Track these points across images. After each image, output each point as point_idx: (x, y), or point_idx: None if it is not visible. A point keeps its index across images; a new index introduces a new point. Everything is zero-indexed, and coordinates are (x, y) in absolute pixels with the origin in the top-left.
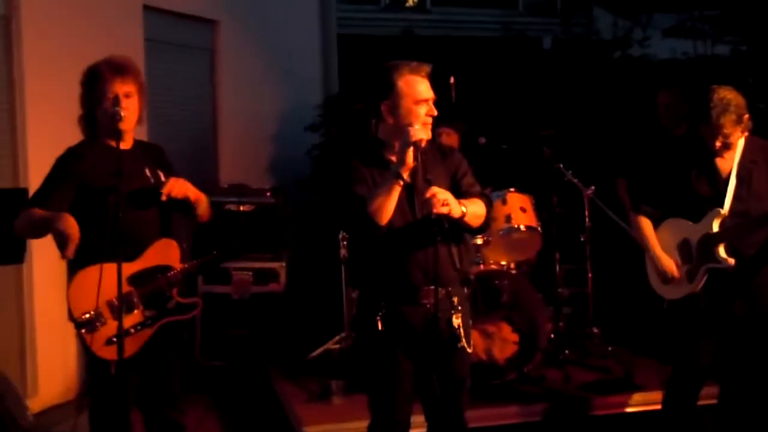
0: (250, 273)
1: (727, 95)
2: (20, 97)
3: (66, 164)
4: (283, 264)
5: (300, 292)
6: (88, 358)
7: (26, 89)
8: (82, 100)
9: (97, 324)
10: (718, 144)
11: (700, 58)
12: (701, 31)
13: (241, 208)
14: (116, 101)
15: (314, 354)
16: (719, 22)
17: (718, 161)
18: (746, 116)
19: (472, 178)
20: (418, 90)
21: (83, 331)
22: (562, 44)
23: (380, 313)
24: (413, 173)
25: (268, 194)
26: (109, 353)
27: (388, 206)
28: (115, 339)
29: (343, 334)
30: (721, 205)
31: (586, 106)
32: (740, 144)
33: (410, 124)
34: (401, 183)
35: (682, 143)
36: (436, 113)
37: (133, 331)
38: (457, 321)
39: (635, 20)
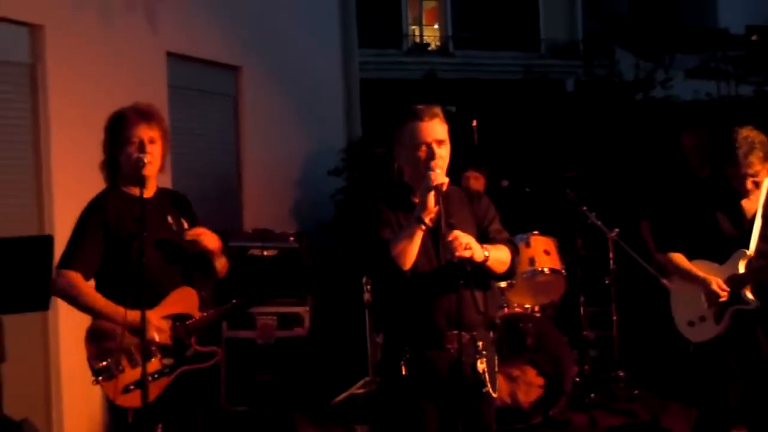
0: (275, 318)
1: (751, 134)
2: (45, 144)
3: (91, 219)
4: (308, 308)
5: (324, 336)
6: (109, 407)
7: (51, 136)
8: (105, 145)
9: (115, 372)
10: (748, 185)
11: (724, 99)
12: (724, 71)
13: (265, 253)
14: (141, 147)
15: (339, 399)
16: (743, 63)
17: (744, 202)
18: None
19: (499, 224)
20: (412, 135)
21: (100, 378)
22: (585, 86)
23: (404, 358)
24: (438, 217)
25: (292, 239)
26: (127, 401)
27: (410, 251)
28: (132, 387)
29: (367, 379)
30: (747, 246)
31: (609, 148)
32: (765, 184)
33: (431, 169)
34: (423, 228)
35: (707, 185)
36: (436, 156)
37: (150, 379)
38: (481, 366)
39: (657, 61)
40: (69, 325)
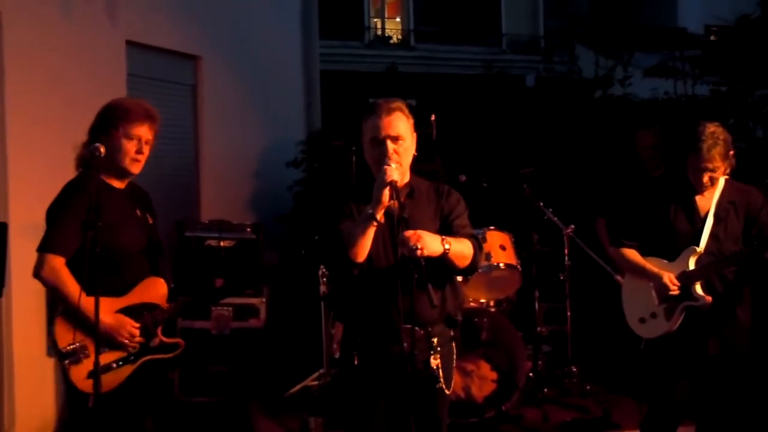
0: (230, 309)
1: (717, 130)
2: (1, 132)
3: (73, 201)
4: (263, 300)
5: (280, 328)
6: (68, 391)
7: (7, 124)
8: (96, 128)
9: (81, 356)
10: (705, 179)
11: (681, 99)
12: (682, 71)
13: (222, 244)
14: (140, 146)
15: (293, 390)
16: (700, 62)
17: (698, 199)
18: (732, 152)
19: (465, 220)
20: (368, 131)
21: (67, 362)
22: (545, 82)
23: (357, 349)
24: (393, 212)
25: (249, 230)
26: (89, 386)
27: (362, 244)
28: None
29: (322, 371)
30: (698, 244)
31: (567, 144)
32: (720, 184)
33: (386, 164)
34: (374, 223)
35: (662, 181)
36: (388, 152)
37: (114, 366)
38: (435, 362)
39: (617, 59)
40: (22, 312)
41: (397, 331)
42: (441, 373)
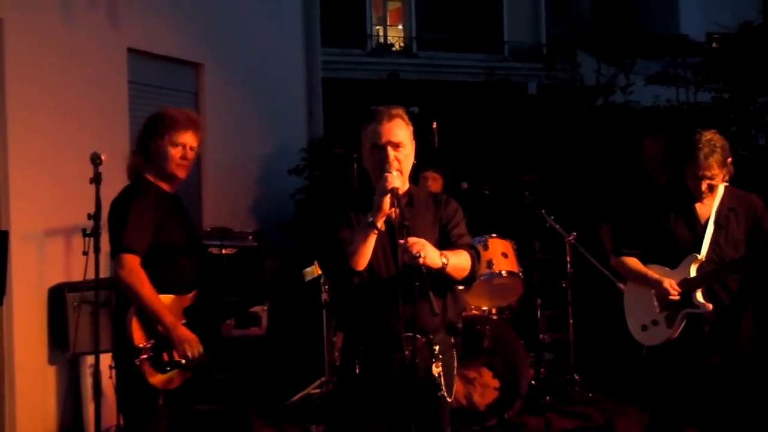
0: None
1: (714, 137)
2: (2, 139)
3: (143, 204)
4: (265, 308)
5: (281, 335)
6: (136, 389)
7: (9, 132)
8: (142, 139)
9: (155, 354)
10: (703, 187)
11: (683, 106)
12: (683, 78)
13: (224, 251)
14: (185, 153)
15: (294, 398)
16: (702, 70)
17: (698, 206)
18: (730, 159)
19: (463, 229)
20: (369, 137)
21: (143, 357)
22: (547, 90)
23: (359, 357)
24: (394, 220)
25: (251, 237)
26: (161, 383)
27: (363, 253)
28: (168, 369)
29: (323, 379)
30: (699, 251)
31: (569, 151)
32: (720, 191)
33: (387, 171)
34: (375, 231)
35: (664, 189)
36: (388, 159)
37: (184, 362)
38: (437, 369)
39: (619, 66)
40: (23, 318)
41: (399, 339)
42: (443, 381)
